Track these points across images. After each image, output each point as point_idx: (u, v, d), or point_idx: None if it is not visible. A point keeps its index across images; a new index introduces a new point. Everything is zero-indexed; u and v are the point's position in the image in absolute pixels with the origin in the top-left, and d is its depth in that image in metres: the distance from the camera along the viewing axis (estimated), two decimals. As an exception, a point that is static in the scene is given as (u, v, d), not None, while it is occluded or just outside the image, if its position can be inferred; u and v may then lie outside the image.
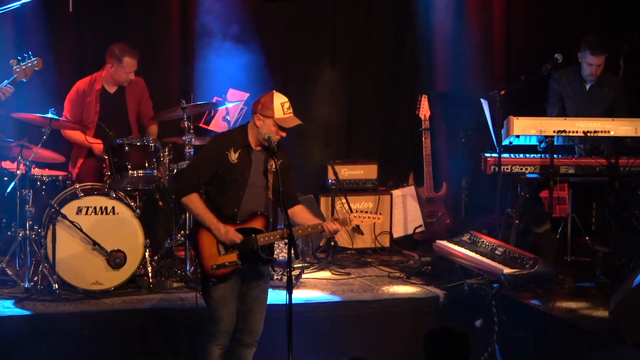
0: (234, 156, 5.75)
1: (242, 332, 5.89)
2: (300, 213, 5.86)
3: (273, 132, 5.71)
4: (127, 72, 7.84)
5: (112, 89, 7.96)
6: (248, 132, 5.80)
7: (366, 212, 5.74)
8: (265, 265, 5.90)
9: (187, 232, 7.37)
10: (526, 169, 7.69)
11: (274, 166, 5.77)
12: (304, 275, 7.79)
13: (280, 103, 5.73)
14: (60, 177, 7.50)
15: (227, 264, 5.74)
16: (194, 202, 5.76)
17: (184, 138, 7.64)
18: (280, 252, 7.96)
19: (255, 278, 5.87)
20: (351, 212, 8.60)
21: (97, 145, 7.68)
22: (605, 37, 8.14)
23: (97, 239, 7.11)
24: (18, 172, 7.11)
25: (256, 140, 5.78)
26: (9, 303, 6.86)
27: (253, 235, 5.74)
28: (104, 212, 7.19)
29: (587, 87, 8.09)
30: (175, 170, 7.55)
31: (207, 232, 5.75)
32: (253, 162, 5.78)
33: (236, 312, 5.86)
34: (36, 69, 7.01)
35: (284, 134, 5.75)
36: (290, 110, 5.77)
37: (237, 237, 5.71)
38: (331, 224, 5.78)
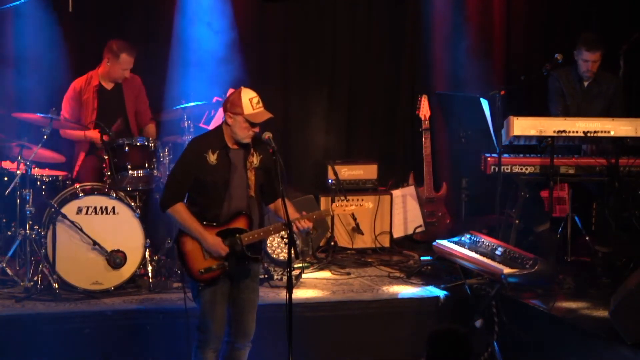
0: (212, 158, 5.70)
1: (235, 334, 5.85)
2: (279, 209, 5.76)
3: (245, 129, 5.67)
4: (123, 69, 7.83)
5: (109, 85, 7.95)
6: (224, 131, 5.75)
7: (347, 200, 5.66)
8: (253, 264, 5.84)
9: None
10: (526, 169, 7.69)
11: (254, 163, 5.75)
12: (304, 275, 7.79)
13: (248, 99, 5.67)
14: (60, 177, 7.51)
15: (214, 267, 5.70)
16: (179, 212, 5.72)
17: (184, 138, 7.64)
18: (281, 252, 7.97)
19: (244, 279, 5.82)
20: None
21: (94, 135, 7.63)
22: (601, 35, 8.14)
23: (97, 239, 7.11)
24: (18, 172, 7.11)
25: (232, 139, 5.74)
26: (9, 303, 6.86)
27: (237, 235, 5.70)
28: (104, 212, 7.19)
29: (585, 85, 8.10)
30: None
31: (191, 237, 5.73)
32: (232, 162, 5.72)
33: (227, 315, 5.82)
34: None
35: (256, 130, 5.70)
36: (260, 105, 5.70)
37: (223, 250, 5.67)
38: (301, 222, 5.70)
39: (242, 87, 5.76)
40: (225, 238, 5.70)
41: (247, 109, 5.66)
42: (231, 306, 5.82)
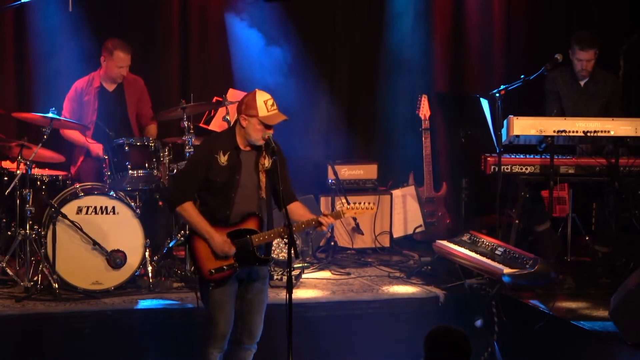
0: (223, 158, 5.71)
1: (241, 334, 5.86)
2: (296, 210, 5.80)
3: (259, 131, 5.68)
4: (118, 66, 7.82)
5: (110, 87, 7.96)
6: (236, 133, 5.76)
7: (359, 203, 5.67)
8: (263, 266, 5.86)
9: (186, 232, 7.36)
10: (526, 169, 7.69)
11: (265, 165, 5.76)
12: (304, 275, 7.79)
13: (263, 101, 5.68)
14: (60, 177, 7.50)
15: (225, 267, 5.71)
16: (188, 211, 5.73)
17: (184, 138, 7.63)
18: (281, 252, 7.97)
19: (253, 280, 5.84)
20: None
21: (95, 147, 7.67)
22: (594, 33, 8.13)
23: (97, 239, 7.11)
24: (18, 172, 7.11)
25: (244, 140, 5.74)
26: (9, 303, 6.86)
27: (248, 236, 5.71)
28: (104, 212, 7.19)
29: (582, 84, 8.11)
30: (175, 170, 7.53)
31: (202, 237, 5.74)
32: (243, 163, 5.74)
33: (234, 315, 5.82)
34: None
35: (270, 132, 5.70)
36: (275, 107, 5.71)
37: (230, 250, 5.68)
38: (326, 218, 5.75)
39: (257, 90, 5.77)
40: (236, 239, 5.71)
41: (262, 111, 5.67)
42: (239, 306, 5.83)
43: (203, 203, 5.80)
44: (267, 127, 5.69)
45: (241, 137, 5.75)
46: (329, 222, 5.77)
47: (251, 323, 5.85)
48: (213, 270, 5.71)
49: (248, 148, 5.77)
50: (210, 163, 5.71)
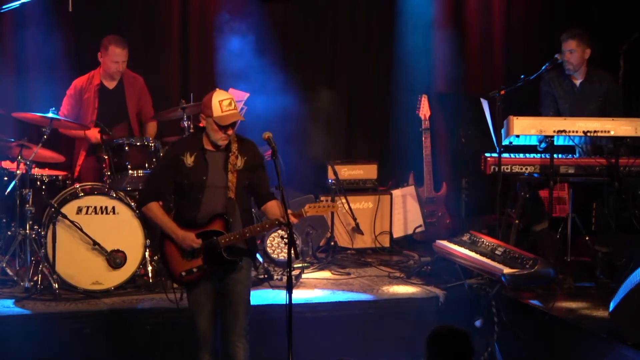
0: (189, 160, 5.70)
1: (225, 329, 5.79)
2: (271, 209, 5.77)
3: (216, 131, 5.65)
4: (114, 61, 7.84)
5: (111, 85, 7.98)
6: (203, 134, 5.75)
7: (320, 202, 5.65)
8: (232, 266, 5.76)
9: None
10: (526, 169, 7.69)
11: (238, 165, 5.72)
12: (304, 275, 7.79)
13: (218, 101, 5.65)
14: (60, 177, 7.51)
15: (194, 269, 5.72)
16: (152, 211, 5.74)
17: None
18: (281, 252, 7.97)
19: (228, 273, 5.77)
20: (351, 212, 8.62)
21: (93, 134, 7.66)
22: (584, 30, 8.13)
23: (97, 239, 7.11)
24: (18, 172, 7.12)
25: (211, 141, 5.72)
26: (9, 303, 6.86)
27: (214, 237, 5.69)
28: (104, 212, 7.19)
29: (578, 84, 8.11)
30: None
31: (171, 241, 5.72)
32: (210, 164, 5.71)
33: (218, 312, 5.79)
34: None
35: (230, 132, 5.67)
36: (231, 107, 5.66)
37: (195, 243, 5.67)
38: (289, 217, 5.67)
39: (217, 89, 5.75)
40: (204, 240, 5.69)
41: (216, 111, 5.65)
42: (220, 304, 5.80)
43: (175, 205, 5.82)
44: (221, 127, 5.65)
45: (207, 138, 5.73)
46: (291, 222, 5.70)
47: (232, 315, 5.76)
48: (184, 273, 5.73)
49: (215, 148, 5.74)
50: (177, 165, 5.71)
